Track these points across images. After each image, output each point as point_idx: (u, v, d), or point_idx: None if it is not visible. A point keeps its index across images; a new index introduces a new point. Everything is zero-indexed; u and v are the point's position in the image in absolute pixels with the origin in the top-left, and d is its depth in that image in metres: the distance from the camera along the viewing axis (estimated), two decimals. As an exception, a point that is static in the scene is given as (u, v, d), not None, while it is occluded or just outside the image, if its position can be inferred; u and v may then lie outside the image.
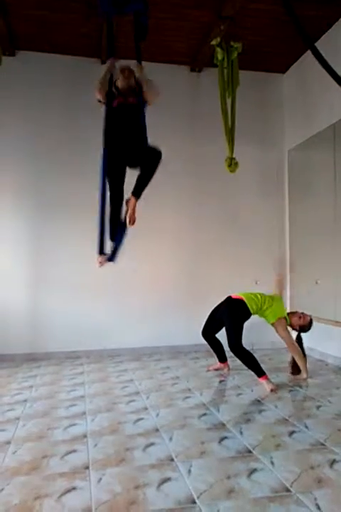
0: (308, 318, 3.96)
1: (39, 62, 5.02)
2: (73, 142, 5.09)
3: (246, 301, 3.84)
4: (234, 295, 3.98)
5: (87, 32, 4.59)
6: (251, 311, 3.84)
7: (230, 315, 3.86)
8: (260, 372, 3.64)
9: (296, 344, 3.86)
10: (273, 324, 3.87)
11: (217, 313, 4.09)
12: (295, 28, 2.91)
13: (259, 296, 3.90)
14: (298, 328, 3.95)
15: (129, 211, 3.02)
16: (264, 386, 3.58)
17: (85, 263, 5.02)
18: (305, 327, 3.95)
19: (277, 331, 3.86)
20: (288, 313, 3.99)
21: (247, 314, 3.84)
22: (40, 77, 5.03)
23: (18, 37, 4.73)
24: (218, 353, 4.21)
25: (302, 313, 4.00)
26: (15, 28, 4.56)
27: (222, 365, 4.22)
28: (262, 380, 3.62)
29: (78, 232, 5.03)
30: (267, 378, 3.62)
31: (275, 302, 3.88)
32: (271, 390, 3.51)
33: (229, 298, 4.01)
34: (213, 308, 4.18)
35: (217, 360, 4.25)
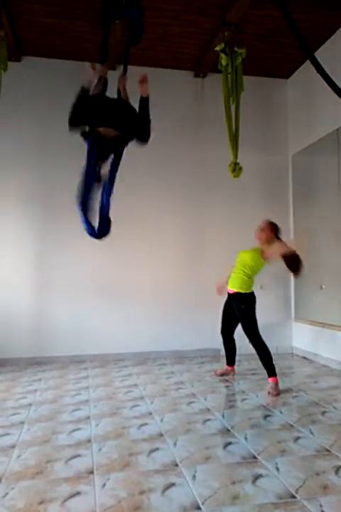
0: (262, 226, 3.94)
1: (44, 67, 5.07)
2: (77, 146, 5.09)
3: (241, 291, 3.85)
4: (230, 290, 3.98)
5: (92, 38, 4.63)
6: (253, 291, 3.87)
7: (238, 311, 3.87)
8: (271, 372, 3.65)
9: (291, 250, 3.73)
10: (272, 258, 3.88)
11: (227, 309, 4.10)
12: (297, 39, 2.92)
13: (244, 272, 3.87)
14: (284, 253, 3.74)
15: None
16: (269, 386, 3.59)
17: (89, 267, 5.04)
18: (287, 254, 3.73)
19: (278, 256, 3.77)
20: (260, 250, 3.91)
21: (252, 299, 3.85)
22: (46, 82, 5.08)
23: (23, 43, 4.79)
24: (229, 354, 4.20)
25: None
26: (21, 34, 4.62)
27: (228, 368, 4.22)
28: (271, 381, 3.62)
29: (82, 236, 5.01)
30: (276, 382, 3.62)
31: (253, 260, 3.88)
32: (268, 393, 3.54)
33: (228, 294, 4.04)
34: (223, 305, 4.16)
35: (225, 363, 4.24)
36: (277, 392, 3.56)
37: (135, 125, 2.91)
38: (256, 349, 3.73)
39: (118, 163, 2.98)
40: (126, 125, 2.89)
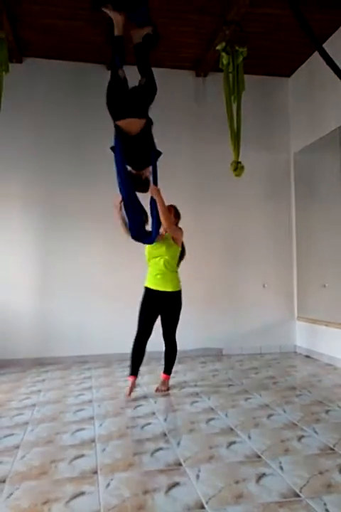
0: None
1: (46, 68, 5.08)
2: (81, 147, 5.14)
3: (177, 289, 3.59)
4: (162, 290, 3.58)
5: (94, 39, 4.64)
6: (178, 287, 3.62)
7: (176, 310, 3.67)
8: (170, 370, 3.75)
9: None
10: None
11: (155, 311, 3.66)
12: (303, 29, 2.92)
13: (172, 267, 3.59)
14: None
15: None
16: (162, 383, 3.72)
17: (93, 268, 5.05)
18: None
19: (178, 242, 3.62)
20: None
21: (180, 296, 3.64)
22: (47, 83, 5.09)
23: (25, 44, 4.79)
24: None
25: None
26: (22, 36, 4.62)
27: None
28: (167, 378, 3.74)
29: (85, 237, 5.06)
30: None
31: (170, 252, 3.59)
32: (157, 389, 3.68)
33: (158, 294, 3.62)
34: (145, 307, 3.64)
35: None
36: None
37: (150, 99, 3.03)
38: (172, 347, 3.69)
39: (155, 174, 3.18)
40: (146, 108, 3.00)
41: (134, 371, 3.57)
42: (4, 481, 2.12)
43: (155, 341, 5.04)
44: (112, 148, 3.10)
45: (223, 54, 4.09)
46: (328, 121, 4.72)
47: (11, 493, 2.01)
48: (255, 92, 5.27)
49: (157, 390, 3.68)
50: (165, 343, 3.70)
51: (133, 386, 3.56)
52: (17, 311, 4.84)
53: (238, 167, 4.08)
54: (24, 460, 2.37)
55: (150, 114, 3.08)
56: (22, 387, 3.91)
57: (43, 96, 5.06)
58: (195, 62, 5.21)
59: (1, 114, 3.78)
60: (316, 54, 4.91)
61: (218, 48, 4.16)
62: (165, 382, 3.73)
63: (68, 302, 4.96)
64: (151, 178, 3.27)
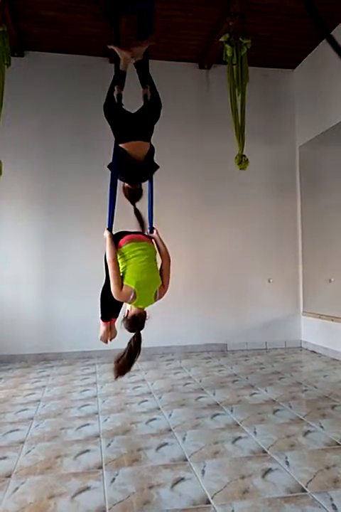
0: None
1: (48, 62, 5.05)
2: (83, 142, 5.11)
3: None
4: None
5: (96, 31, 4.61)
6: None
7: None
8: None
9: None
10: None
11: None
12: (311, 16, 2.86)
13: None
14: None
15: None
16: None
17: (96, 263, 5.03)
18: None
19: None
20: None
21: None
22: (49, 77, 5.05)
23: (27, 37, 4.76)
24: None
25: None
26: (24, 29, 4.59)
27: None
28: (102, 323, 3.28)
29: (89, 232, 5.03)
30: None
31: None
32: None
33: None
34: None
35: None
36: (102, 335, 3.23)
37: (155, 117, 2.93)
38: None
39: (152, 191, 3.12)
40: (151, 129, 2.89)
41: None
42: (10, 476, 2.13)
43: (155, 336, 5.07)
44: (109, 167, 2.93)
45: (227, 46, 4.04)
46: (334, 114, 4.66)
47: (17, 488, 2.01)
48: (259, 84, 5.22)
49: None
50: None
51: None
52: (22, 306, 4.84)
53: (242, 160, 4.04)
54: (29, 455, 2.37)
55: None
56: (27, 382, 3.92)
57: (45, 90, 5.03)
58: (198, 54, 5.16)
59: (3, 108, 3.75)
60: (321, 46, 4.85)
61: (222, 39, 4.10)
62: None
63: (73, 298, 4.95)
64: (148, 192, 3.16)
